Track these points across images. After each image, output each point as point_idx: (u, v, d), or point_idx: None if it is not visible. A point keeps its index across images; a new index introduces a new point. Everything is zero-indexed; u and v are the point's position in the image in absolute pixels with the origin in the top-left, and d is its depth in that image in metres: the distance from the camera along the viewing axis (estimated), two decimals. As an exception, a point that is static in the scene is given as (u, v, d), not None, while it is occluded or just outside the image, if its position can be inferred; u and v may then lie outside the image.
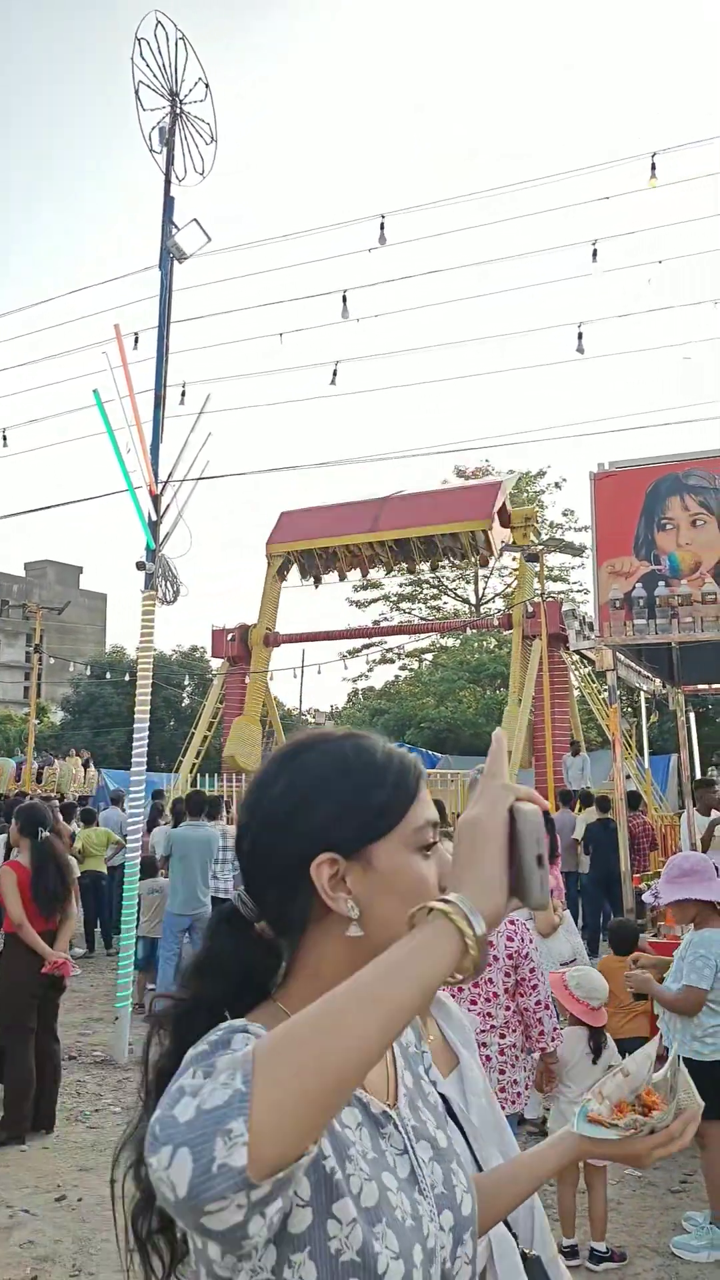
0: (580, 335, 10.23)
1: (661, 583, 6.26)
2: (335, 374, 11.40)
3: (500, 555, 21.98)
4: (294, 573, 23.33)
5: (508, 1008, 4.08)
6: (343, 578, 23.61)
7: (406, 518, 21.73)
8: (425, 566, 23.10)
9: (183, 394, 11.20)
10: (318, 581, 23.42)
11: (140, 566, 8.11)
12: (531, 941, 4.15)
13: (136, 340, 10.21)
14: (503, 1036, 4.07)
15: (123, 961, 7.83)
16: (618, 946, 5.76)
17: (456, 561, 22.52)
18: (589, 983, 4.67)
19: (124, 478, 8.04)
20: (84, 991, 9.94)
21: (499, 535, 21.23)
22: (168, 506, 8.16)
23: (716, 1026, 4.44)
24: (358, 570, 23.06)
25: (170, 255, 8.73)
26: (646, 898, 4.81)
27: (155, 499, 8.15)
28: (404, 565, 22.89)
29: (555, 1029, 4.14)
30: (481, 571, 41.41)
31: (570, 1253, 4.41)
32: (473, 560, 22.11)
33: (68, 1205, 4.96)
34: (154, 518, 8.14)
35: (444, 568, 24.29)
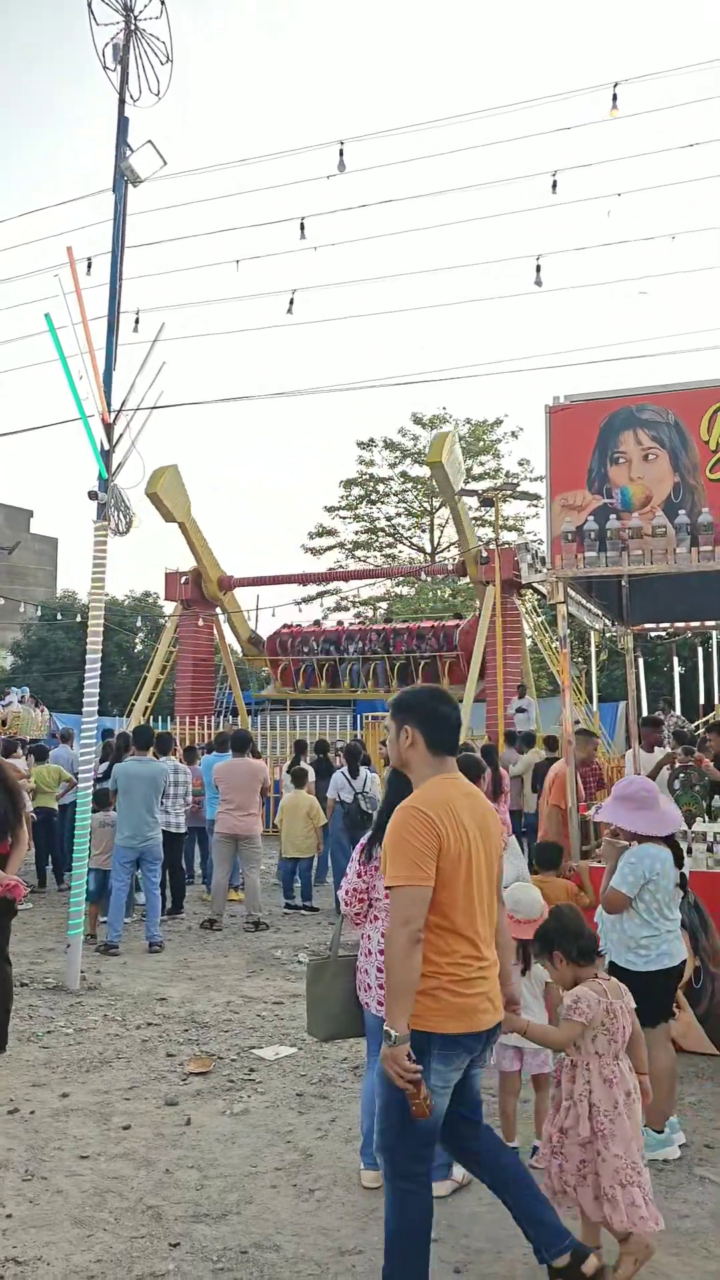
0: (539, 268, 10.20)
1: (613, 516, 6.33)
2: (292, 302, 11.25)
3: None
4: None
5: None
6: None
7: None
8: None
9: (136, 321, 11.02)
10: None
11: (92, 496, 8.04)
12: None
13: (90, 265, 10.02)
14: None
15: (74, 893, 7.88)
16: (543, 864, 6.06)
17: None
18: (515, 894, 4.81)
19: (76, 405, 7.93)
20: (36, 924, 9.99)
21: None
22: (120, 435, 8.06)
23: (649, 938, 4.61)
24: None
25: (124, 178, 8.53)
26: (590, 812, 4.96)
27: (108, 428, 8.05)
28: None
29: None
30: (437, 520, 41.55)
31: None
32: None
33: (20, 1118, 5.05)
34: (106, 447, 8.04)
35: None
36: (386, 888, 3.25)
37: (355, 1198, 4.23)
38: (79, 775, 8.20)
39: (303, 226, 10.57)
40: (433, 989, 3.20)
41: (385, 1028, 3.13)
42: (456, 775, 3.48)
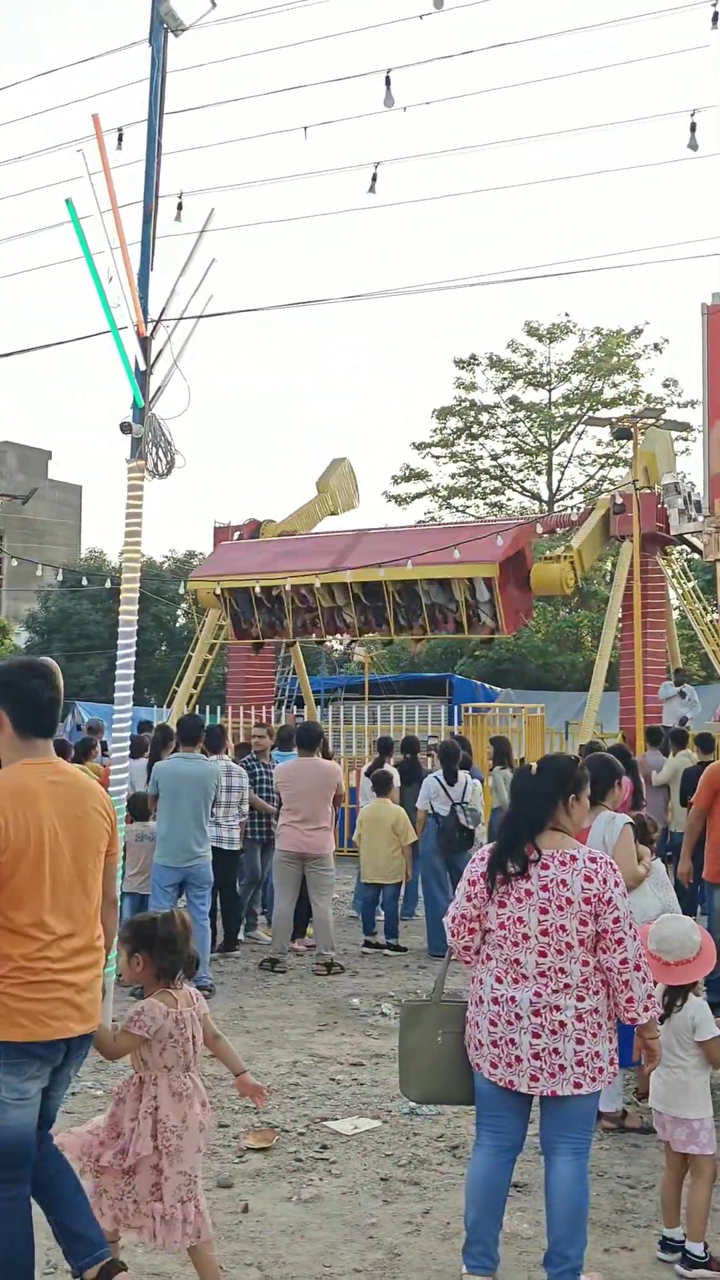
0: (694, 126, 9.88)
1: (791, 446, 6.17)
2: (375, 179, 11.16)
3: (521, 623, 20.30)
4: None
5: (585, 963, 4.14)
6: (291, 640, 22.33)
7: (380, 557, 19.82)
8: (415, 633, 20.95)
9: (179, 207, 11.03)
10: (257, 645, 22.33)
11: (125, 429, 8.08)
12: (619, 885, 4.20)
13: (121, 138, 10.04)
14: (580, 999, 4.14)
15: (104, 921, 8.00)
16: None
17: (453, 627, 20.23)
18: (659, 930, 4.74)
19: (105, 314, 7.98)
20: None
21: (514, 600, 19.28)
22: (160, 352, 8.09)
23: None
24: (318, 629, 21.54)
25: (164, 26, 8.55)
26: None
27: (144, 343, 8.09)
28: (380, 629, 20.99)
29: (650, 995, 4.19)
30: (556, 460, 41.13)
31: (670, 1247, 4.60)
32: (479, 627, 19.80)
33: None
34: (142, 366, 8.09)
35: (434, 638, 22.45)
36: None
37: (456, 1310, 4.24)
38: (112, 778, 8.31)
39: (389, 81, 10.47)
40: None
41: None
42: (48, 759, 3.87)
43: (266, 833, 11.22)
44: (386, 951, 10.96)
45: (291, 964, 10.20)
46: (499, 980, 4.22)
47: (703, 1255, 4.48)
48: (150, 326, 8.14)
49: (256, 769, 11.36)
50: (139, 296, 8.16)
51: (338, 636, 22.89)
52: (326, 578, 19.95)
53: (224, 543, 23.07)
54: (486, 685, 31.03)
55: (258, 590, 21.05)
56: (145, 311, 8.17)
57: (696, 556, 19.75)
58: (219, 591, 21.57)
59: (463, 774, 11.04)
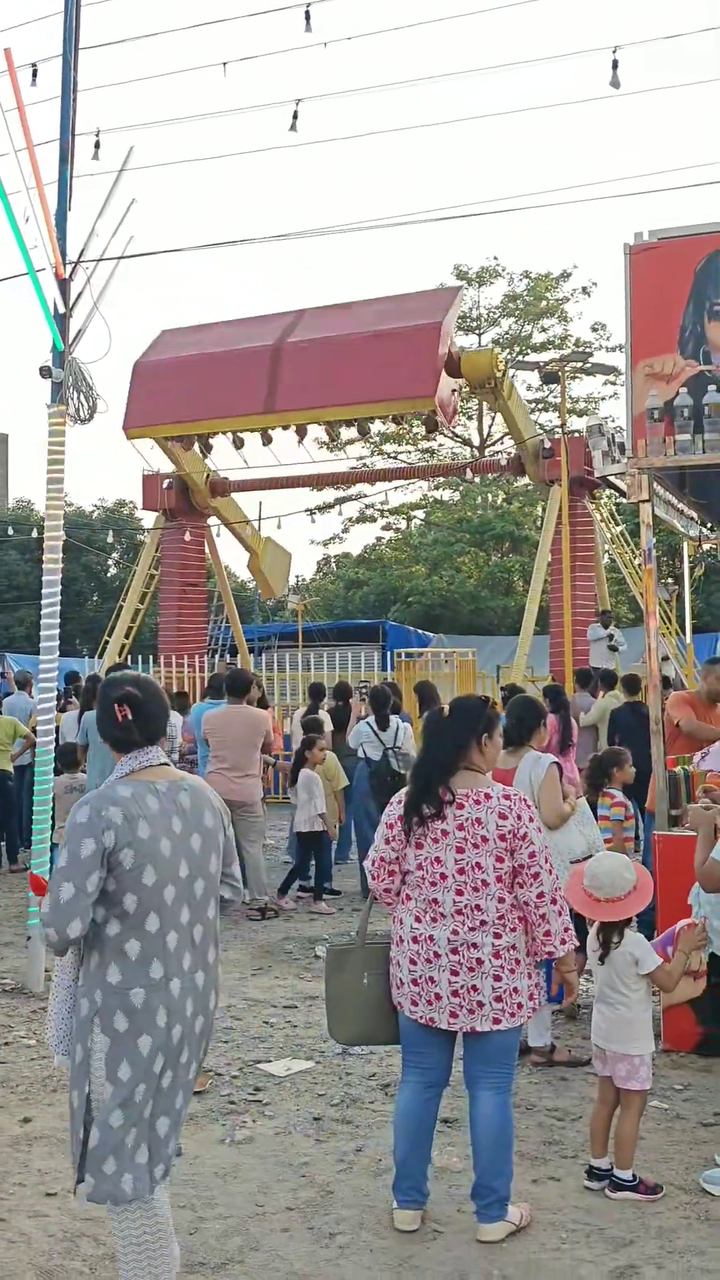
0: (615, 64, 9.80)
1: (713, 387, 6.19)
2: (296, 117, 11.01)
3: (451, 412, 20.02)
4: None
5: (501, 899, 4.18)
6: (240, 445, 21.03)
7: (313, 375, 18.57)
8: (353, 434, 20.93)
9: (97, 145, 10.83)
10: (205, 449, 21.32)
11: (45, 373, 7.96)
12: (534, 820, 4.23)
13: (35, 73, 9.82)
14: (497, 936, 4.18)
15: (35, 874, 7.96)
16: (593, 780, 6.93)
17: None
18: (593, 869, 4.79)
19: (22, 256, 7.82)
20: (-11, 913, 10.15)
21: (448, 385, 18.41)
22: (79, 294, 7.97)
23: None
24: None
25: (76, -44, 8.31)
26: (695, 758, 4.92)
27: (63, 284, 7.95)
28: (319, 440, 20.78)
29: (567, 929, 4.25)
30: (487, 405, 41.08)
31: (596, 1175, 4.70)
32: (412, 426, 19.73)
33: (-29, 1146, 5.15)
34: (61, 309, 7.95)
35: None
36: None
37: (386, 1243, 4.30)
38: (39, 729, 8.24)
39: (308, 16, 10.30)
40: None
41: None
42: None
43: None
44: (322, 897, 11.02)
45: (225, 909, 10.21)
46: (418, 920, 4.25)
47: (630, 1179, 4.58)
48: (69, 268, 8.00)
49: None
50: (57, 238, 8.00)
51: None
52: (261, 421, 19.32)
53: (168, 331, 21.43)
54: (419, 631, 31.14)
55: (195, 438, 20.36)
56: (64, 253, 8.02)
57: (624, 500, 19.96)
58: (157, 441, 20.92)
59: (394, 719, 11.06)
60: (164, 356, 20.44)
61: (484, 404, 41.28)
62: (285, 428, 19.68)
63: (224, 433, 19.96)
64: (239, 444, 20.21)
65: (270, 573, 23.63)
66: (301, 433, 19.95)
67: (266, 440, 20.22)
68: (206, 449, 21.02)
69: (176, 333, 21.30)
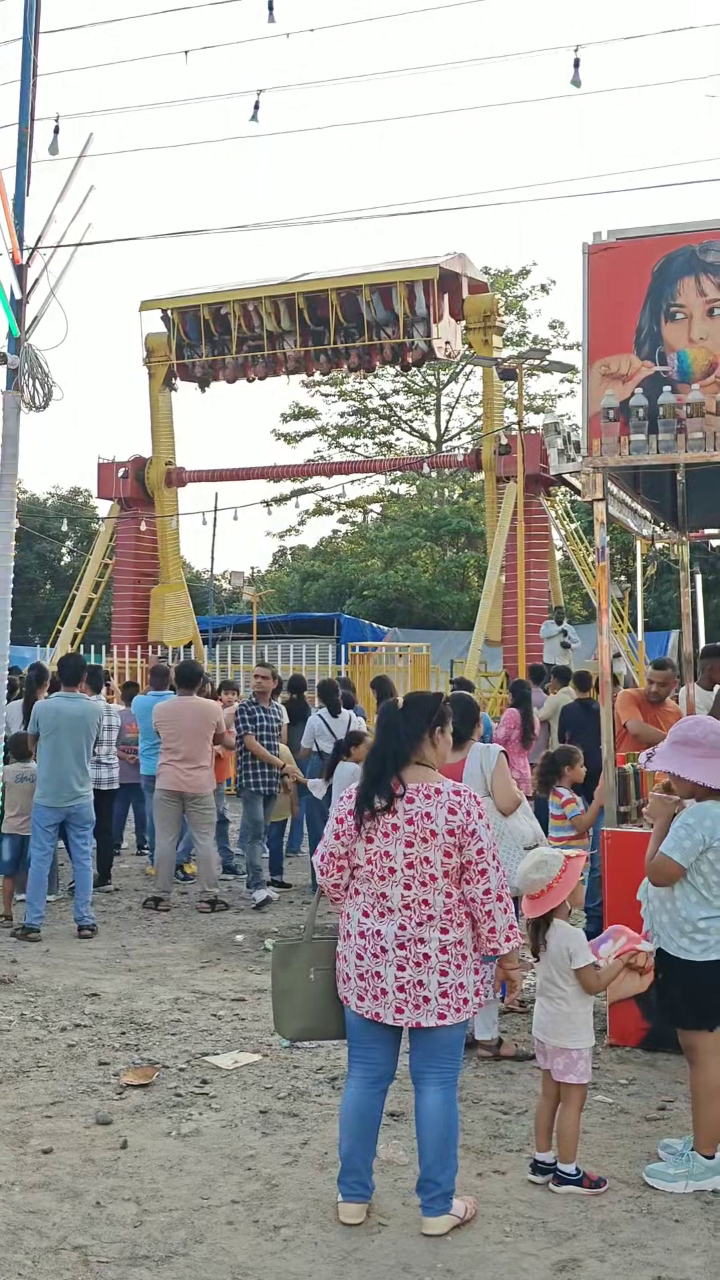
0: (577, 63, 9.83)
1: (667, 388, 6.22)
2: (257, 107, 10.99)
3: (449, 353, 21.08)
4: (189, 396, 23.12)
5: (449, 895, 4.20)
6: (241, 376, 22.29)
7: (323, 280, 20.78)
8: (352, 362, 21.75)
9: (56, 131, 10.75)
10: (203, 384, 22.62)
11: (0, 360, 7.90)
12: (482, 817, 4.25)
13: (-7, 57, 9.71)
14: (444, 931, 4.20)
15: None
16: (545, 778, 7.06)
17: (389, 353, 21.15)
18: (525, 864, 4.82)
19: (-22, 241, 7.75)
20: (-64, 903, 10.06)
21: (449, 329, 20.28)
22: (36, 281, 7.92)
23: (708, 920, 4.62)
24: (259, 366, 21.85)
25: (38, -61, 8.24)
26: (641, 758, 4.96)
27: (20, 270, 7.90)
28: (321, 354, 21.56)
29: (512, 926, 4.27)
30: (445, 400, 41.16)
31: (541, 1169, 4.71)
32: (410, 351, 20.87)
33: None
34: (18, 295, 7.89)
35: (378, 365, 22.64)
36: None
37: (331, 1236, 4.30)
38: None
39: (271, 6, 10.27)
40: None
41: None
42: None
43: (269, 784, 10.65)
44: (271, 889, 11.01)
45: (175, 902, 10.19)
46: (366, 914, 4.26)
47: (574, 1173, 4.61)
48: (26, 254, 7.94)
49: (257, 713, 10.61)
50: (14, 223, 7.94)
51: (279, 374, 22.73)
52: (273, 290, 20.70)
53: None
54: (374, 624, 31.17)
55: (206, 313, 21.42)
56: (21, 238, 7.96)
57: (578, 498, 20.01)
58: (168, 314, 21.94)
59: (347, 712, 11.06)
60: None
61: (439, 401, 41.45)
62: (294, 310, 20.84)
63: (235, 309, 21.16)
64: (250, 323, 21.27)
65: (168, 627, 23.62)
66: (309, 332, 21.11)
67: (274, 369, 20.76)
68: (205, 382, 21.59)
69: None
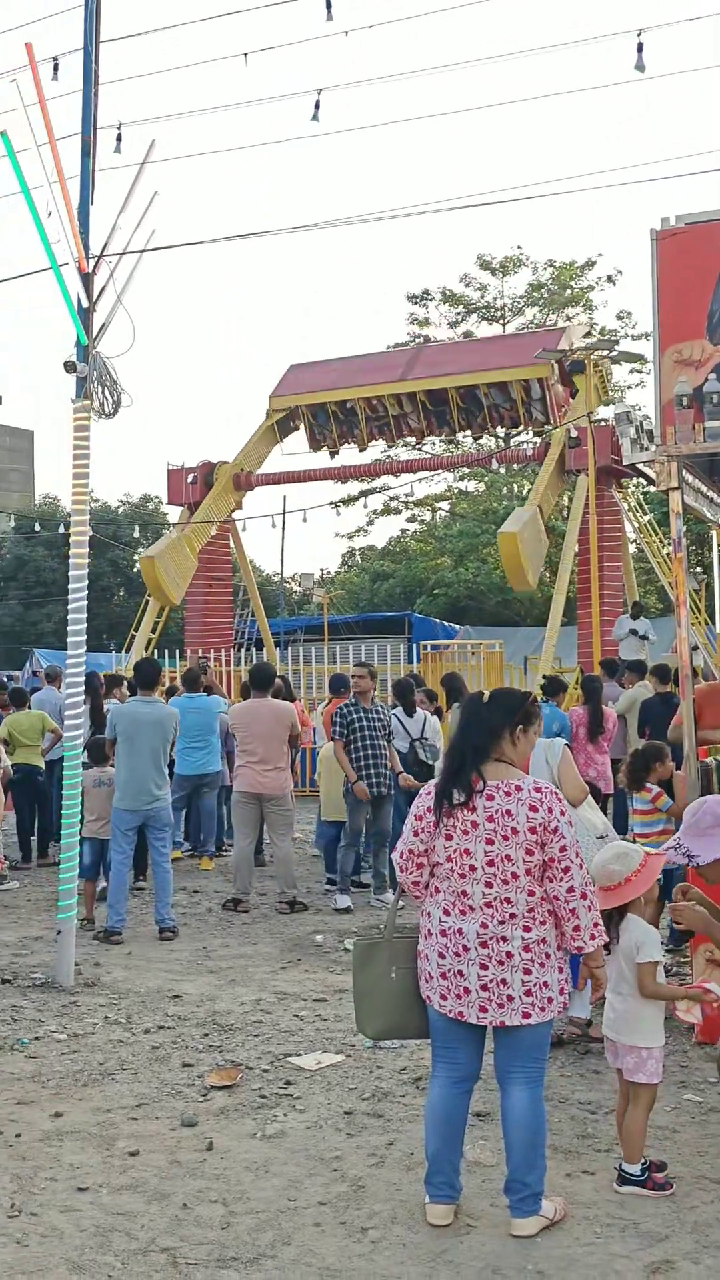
0: (640, 47, 9.68)
1: (742, 372, 6.12)
2: (318, 106, 11.00)
3: (563, 414, 21.69)
4: (298, 441, 23.65)
5: (531, 893, 4.15)
6: (363, 447, 24.02)
7: (443, 367, 22.12)
8: (467, 434, 23.69)
9: (119, 139, 10.86)
10: (333, 452, 24.01)
11: (69, 368, 7.95)
12: (564, 815, 4.19)
13: (56, 67, 9.82)
14: (527, 929, 4.15)
15: (65, 868, 7.98)
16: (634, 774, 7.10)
17: (508, 429, 23.38)
18: (604, 853, 4.75)
19: (45, 251, 7.81)
20: (19, 908, 10.18)
21: (560, 397, 21.39)
22: (103, 289, 7.96)
23: None
24: (382, 440, 23.66)
25: (96, -51, 8.30)
26: (674, 856, 4.61)
27: (86, 279, 7.94)
28: (441, 431, 23.49)
29: (596, 924, 4.21)
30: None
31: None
32: (531, 423, 22.48)
33: (3, 1142, 5.16)
34: (85, 303, 7.94)
35: (493, 435, 24.43)
36: None
37: (419, 1237, 4.27)
38: (66, 724, 8.26)
39: (329, 4, 10.26)
40: None
41: None
42: None
43: (378, 784, 10.22)
44: (350, 889, 11.00)
45: (255, 904, 10.23)
46: (446, 912, 4.23)
47: (638, 1174, 4.53)
48: (92, 262, 7.99)
49: (355, 713, 10.32)
50: (79, 232, 7.99)
51: (406, 440, 24.77)
52: (395, 388, 22.22)
53: (296, 365, 24.34)
54: (445, 623, 31.07)
55: (333, 405, 22.94)
56: (86, 247, 8.01)
57: (652, 489, 19.84)
58: (297, 409, 23.43)
59: (421, 710, 11.03)
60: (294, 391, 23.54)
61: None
62: (415, 400, 22.28)
63: (360, 402, 22.61)
64: (374, 408, 22.68)
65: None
66: (431, 414, 22.61)
67: (392, 439, 23.46)
68: (333, 452, 22.53)
69: (302, 367, 24.17)
